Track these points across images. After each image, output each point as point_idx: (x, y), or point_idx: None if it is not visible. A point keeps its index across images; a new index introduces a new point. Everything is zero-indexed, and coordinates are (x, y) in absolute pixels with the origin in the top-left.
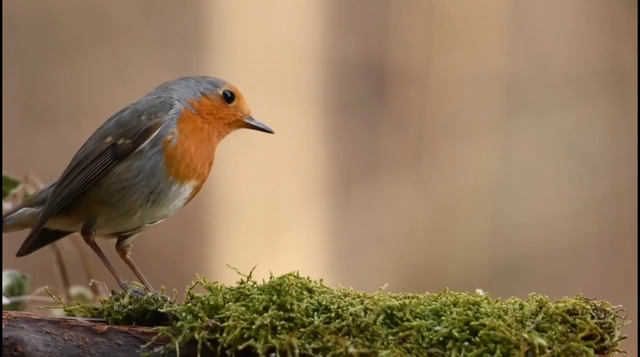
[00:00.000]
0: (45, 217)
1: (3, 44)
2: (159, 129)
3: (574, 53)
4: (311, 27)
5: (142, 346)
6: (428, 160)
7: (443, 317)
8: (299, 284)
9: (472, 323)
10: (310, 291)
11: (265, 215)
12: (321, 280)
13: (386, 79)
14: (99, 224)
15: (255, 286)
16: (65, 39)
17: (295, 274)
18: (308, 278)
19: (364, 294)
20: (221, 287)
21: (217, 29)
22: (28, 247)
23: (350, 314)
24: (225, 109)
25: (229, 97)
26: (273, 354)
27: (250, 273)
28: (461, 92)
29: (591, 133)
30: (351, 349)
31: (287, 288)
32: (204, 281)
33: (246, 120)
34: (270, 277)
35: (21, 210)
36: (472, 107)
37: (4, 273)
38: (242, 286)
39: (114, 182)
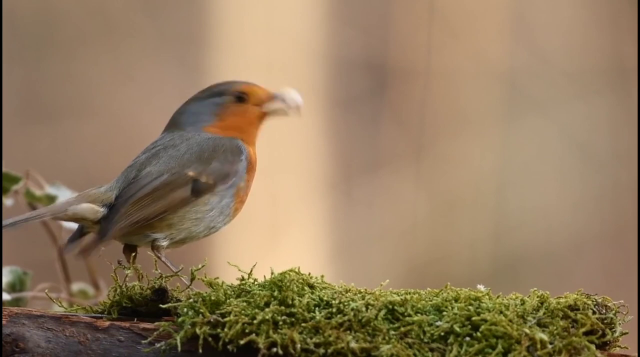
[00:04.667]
0: (121, 231)
1: (4, 39)
2: (236, 176)
3: (575, 49)
4: (313, 23)
5: (143, 342)
6: (429, 156)
7: (444, 313)
8: (300, 280)
9: (473, 318)
10: (311, 286)
11: (266, 211)
12: (322, 276)
13: (387, 75)
14: (165, 245)
15: (256, 283)
16: (67, 35)
17: (297, 270)
18: (309, 274)
19: (365, 289)
20: (222, 283)
21: (218, 24)
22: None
23: (352, 309)
24: (244, 111)
25: (242, 98)
26: (274, 349)
27: (251, 270)
28: (462, 88)
29: (592, 129)
30: (352, 344)
31: (288, 284)
32: (205, 277)
33: (266, 109)
34: (272, 274)
35: (84, 205)
36: (473, 103)
37: (6, 269)
38: (243, 282)
39: (190, 211)
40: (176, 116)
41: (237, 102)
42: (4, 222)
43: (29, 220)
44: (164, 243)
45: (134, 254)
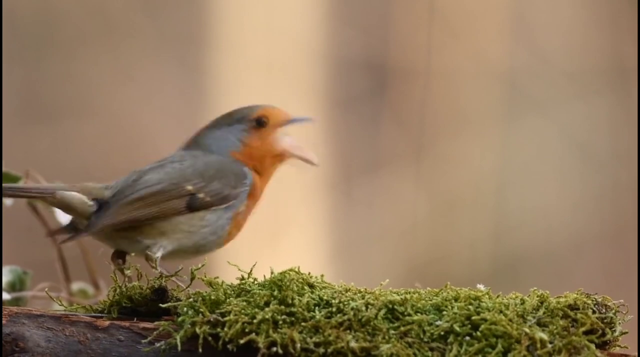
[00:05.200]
0: (102, 227)
1: (4, 39)
2: (237, 199)
3: (575, 49)
4: (313, 23)
5: (143, 341)
6: (429, 156)
7: (444, 312)
8: (300, 280)
9: (473, 318)
10: (311, 286)
11: (266, 211)
12: (322, 275)
13: (387, 75)
14: (159, 254)
15: (256, 282)
16: (67, 35)
17: (296, 269)
18: (309, 274)
19: (365, 289)
20: (222, 282)
21: (218, 24)
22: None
23: (352, 308)
24: (265, 136)
25: (261, 122)
26: (274, 349)
27: (251, 270)
28: (462, 88)
29: (592, 128)
30: (352, 344)
31: (288, 283)
32: (205, 277)
33: (287, 149)
34: (271, 273)
35: (74, 193)
36: (473, 103)
37: (6, 269)
38: (243, 282)
39: (183, 223)
40: (200, 139)
41: (257, 127)
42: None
43: (15, 190)
44: (157, 253)
45: (121, 261)
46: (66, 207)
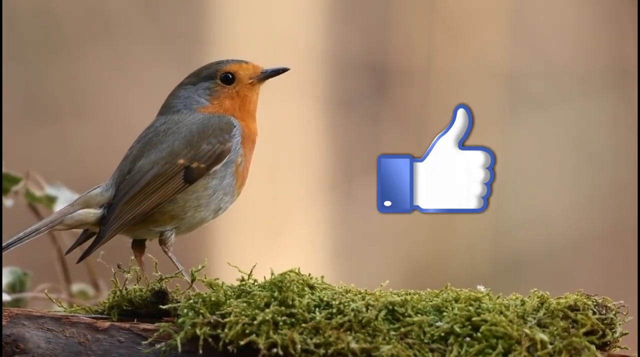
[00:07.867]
0: (116, 232)
1: (4, 39)
2: (230, 153)
3: (576, 49)
4: (313, 23)
5: (143, 343)
6: None
7: (444, 313)
8: (300, 281)
9: (473, 319)
10: (311, 287)
11: (266, 211)
12: (322, 277)
13: (388, 75)
14: (173, 237)
15: (256, 283)
16: (66, 35)
17: (297, 270)
18: (309, 275)
19: (366, 290)
20: (222, 284)
21: (218, 23)
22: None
23: (352, 309)
24: (235, 93)
25: (230, 79)
26: (275, 350)
27: (251, 271)
28: (463, 87)
29: (593, 128)
30: (353, 345)
31: (288, 284)
32: (205, 278)
33: (260, 79)
34: (272, 274)
35: (80, 211)
36: (474, 103)
37: (6, 270)
38: (244, 283)
39: (190, 199)
40: (170, 100)
41: (225, 84)
42: (3, 244)
43: (25, 239)
44: (171, 236)
45: (142, 255)
46: (79, 226)
